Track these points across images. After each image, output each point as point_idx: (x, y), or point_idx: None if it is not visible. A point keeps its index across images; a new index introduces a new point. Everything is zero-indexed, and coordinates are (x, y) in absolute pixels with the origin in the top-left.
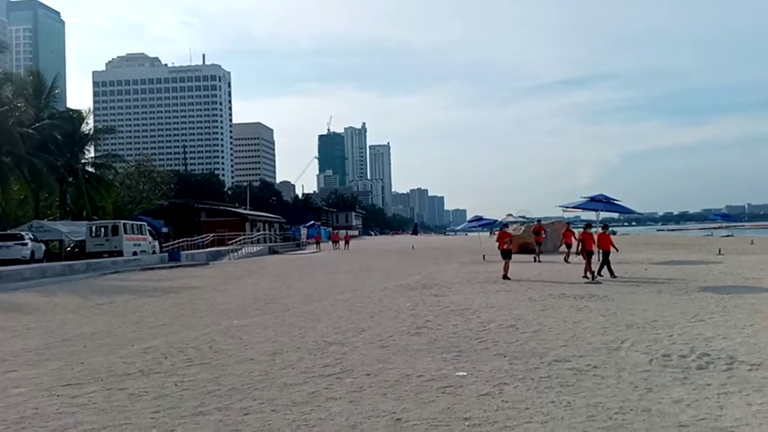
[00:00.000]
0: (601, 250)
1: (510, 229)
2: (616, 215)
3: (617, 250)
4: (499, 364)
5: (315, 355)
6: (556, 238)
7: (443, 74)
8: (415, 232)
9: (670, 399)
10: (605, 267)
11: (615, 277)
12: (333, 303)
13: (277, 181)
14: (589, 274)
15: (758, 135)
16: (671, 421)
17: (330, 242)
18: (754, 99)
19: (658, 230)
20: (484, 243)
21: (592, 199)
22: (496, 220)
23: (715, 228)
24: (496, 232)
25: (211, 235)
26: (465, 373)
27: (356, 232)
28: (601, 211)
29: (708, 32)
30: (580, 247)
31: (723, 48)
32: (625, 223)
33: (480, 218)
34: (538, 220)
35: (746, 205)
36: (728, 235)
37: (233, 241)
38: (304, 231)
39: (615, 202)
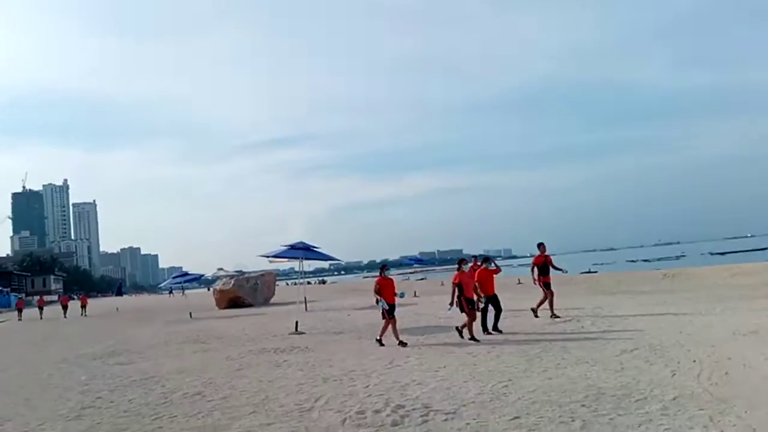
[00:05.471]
0: (483, 297)
1: (219, 284)
2: (326, 265)
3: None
4: None
5: None
6: (266, 290)
7: (151, 130)
8: (119, 293)
9: None
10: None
11: (490, 333)
12: None
13: None
14: (466, 334)
15: (442, 188)
16: None
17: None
18: (436, 158)
19: (364, 277)
20: (191, 300)
21: (293, 247)
22: (203, 275)
23: (411, 273)
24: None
25: None
26: None
27: (55, 297)
28: (304, 259)
29: (393, 100)
30: (456, 295)
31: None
32: (335, 273)
33: (185, 273)
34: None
35: (436, 251)
36: (422, 278)
37: None
38: None
39: (315, 249)
